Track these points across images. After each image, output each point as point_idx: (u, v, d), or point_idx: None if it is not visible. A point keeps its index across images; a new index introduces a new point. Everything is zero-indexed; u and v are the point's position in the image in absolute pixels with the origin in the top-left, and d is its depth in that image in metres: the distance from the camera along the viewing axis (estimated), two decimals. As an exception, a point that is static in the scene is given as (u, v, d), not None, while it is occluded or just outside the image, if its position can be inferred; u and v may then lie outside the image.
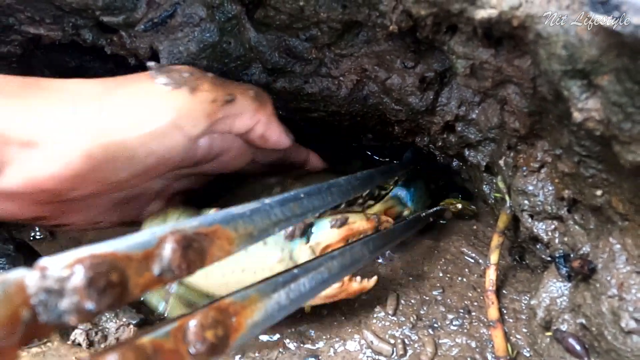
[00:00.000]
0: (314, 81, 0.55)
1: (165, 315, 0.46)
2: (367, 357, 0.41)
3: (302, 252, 0.42)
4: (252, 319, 0.24)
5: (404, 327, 0.43)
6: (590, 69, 0.23)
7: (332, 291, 0.41)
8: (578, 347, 0.33)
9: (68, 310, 0.16)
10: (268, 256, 0.41)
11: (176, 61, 0.46)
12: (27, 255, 0.51)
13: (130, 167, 0.35)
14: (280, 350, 0.44)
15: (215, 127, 0.39)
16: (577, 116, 0.25)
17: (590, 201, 0.32)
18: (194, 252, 0.22)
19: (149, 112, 0.35)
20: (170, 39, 0.44)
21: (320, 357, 0.43)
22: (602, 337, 0.30)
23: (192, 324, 0.21)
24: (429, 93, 0.51)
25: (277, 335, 0.45)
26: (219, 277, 0.42)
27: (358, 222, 0.44)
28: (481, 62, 0.35)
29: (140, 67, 0.53)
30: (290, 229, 0.42)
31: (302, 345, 0.44)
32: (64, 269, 0.16)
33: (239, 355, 0.44)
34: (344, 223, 0.43)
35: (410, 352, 0.41)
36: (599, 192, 0.31)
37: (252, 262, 0.41)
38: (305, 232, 0.43)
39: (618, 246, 0.30)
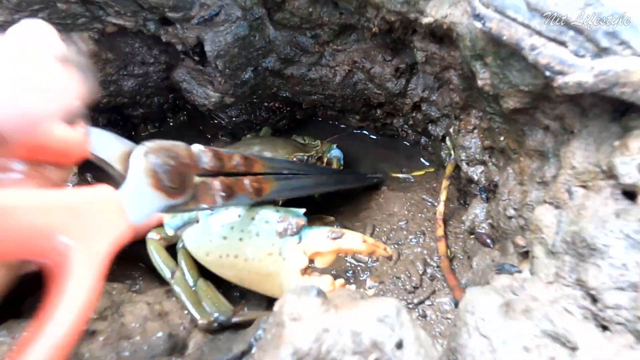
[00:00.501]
0: (316, 69, 0.72)
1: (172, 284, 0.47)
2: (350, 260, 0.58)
3: (293, 250, 0.43)
4: (271, 188, 0.41)
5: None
6: (482, 53, 0.40)
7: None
8: (488, 241, 0.49)
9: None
10: (259, 248, 0.43)
11: (216, 47, 0.62)
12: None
13: None
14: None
15: None
16: (480, 83, 0.42)
17: (499, 145, 0.49)
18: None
19: None
20: (214, 31, 0.60)
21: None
22: (500, 228, 0.47)
23: (246, 180, 0.39)
24: (402, 80, 0.67)
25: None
26: (216, 258, 0.45)
27: (353, 243, 0.43)
28: (432, 53, 0.52)
29: (185, 53, 0.70)
30: (283, 225, 0.43)
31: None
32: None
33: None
34: (338, 237, 0.43)
35: (381, 258, 0.57)
36: (502, 138, 0.48)
37: (245, 251, 0.44)
38: (298, 233, 0.43)
39: (510, 170, 0.47)
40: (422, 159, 0.77)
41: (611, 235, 0.28)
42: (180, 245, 0.48)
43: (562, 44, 0.30)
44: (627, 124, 0.31)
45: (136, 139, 0.56)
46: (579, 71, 0.28)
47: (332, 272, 0.56)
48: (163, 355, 0.39)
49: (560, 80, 0.30)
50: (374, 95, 0.72)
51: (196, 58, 0.67)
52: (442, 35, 0.47)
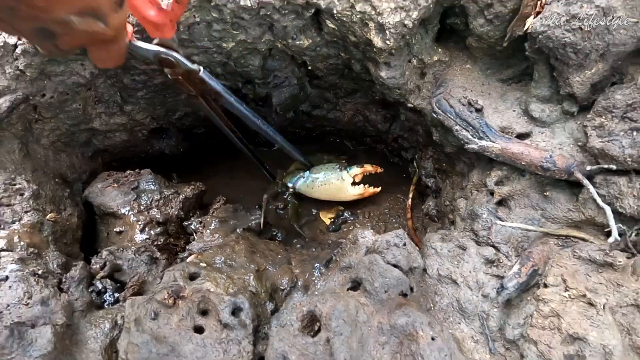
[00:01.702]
0: (332, 112, 1.11)
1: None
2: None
3: (345, 176, 0.97)
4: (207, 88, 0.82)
5: (369, 226, 1.01)
6: (435, 125, 0.82)
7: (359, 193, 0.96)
8: (435, 218, 0.92)
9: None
10: (334, 177, 0.97)
11: (279, 100, 1.00)
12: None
13: None
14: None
15: None
16: (434, 138, 0.84)
17: (442, 168, 0.92)
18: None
19: None
20: (279, 90, 0.99)
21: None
22: (441, 211, 0.89)
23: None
24: (387, 124, 1.09)
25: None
26: (316, 188, 0.99)
27: (368, 166, 0.98)
28: (409, 116, 0.94)
29: (254, 102, 1.07)
30: (340, 167, 0.99)
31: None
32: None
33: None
34: (361, 166, 0.98)
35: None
36: (444, 164, 0.91)
37: (330, 179, 0.98)
38: (346, 168, 0.98)
39: (448, 182, 0.90)
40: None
41: (482, 209, 0.71)
42: (291, 191, 0.99)
43: (468, 131, 0.72)
44: (492, 165, 0.74)
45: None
46: (472, 144, 0.71)
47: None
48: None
49: (467, 146, 0.72)
50: (368, 131, 1.13)
51: (260, 103, 1.05)
52: (416, 110, 0.88)
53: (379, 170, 0.99)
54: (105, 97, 0.88)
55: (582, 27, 0.55)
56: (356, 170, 0.99)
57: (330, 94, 1.06)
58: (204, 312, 0.57)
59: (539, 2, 0.62)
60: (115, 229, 0.74)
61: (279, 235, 0.95)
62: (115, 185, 0.80)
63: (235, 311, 0.56)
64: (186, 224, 0.85)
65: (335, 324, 0.50)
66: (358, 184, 0.99)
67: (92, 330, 0.56)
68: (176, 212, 0.86)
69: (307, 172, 1.02)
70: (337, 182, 0.97)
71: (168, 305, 0.55)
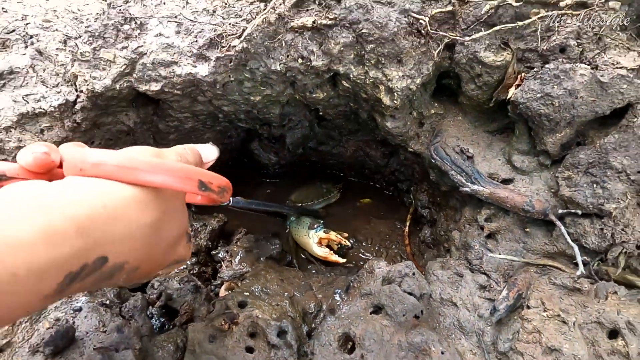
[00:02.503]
0: (336, 148, 1.24)
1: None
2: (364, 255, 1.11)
3: (312, 235, 1.03)
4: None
5: (372, 251, 1.14)
6: (432, 167, 0.96)
7: (322, 255, 1.03)
8: (431, 245, 1.06)
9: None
10: (303, 233, 1.04)
11: (292, 139, 1.13)
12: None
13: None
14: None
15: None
16: (431, 177, 0.98)
17: (436, 201, 1.06)
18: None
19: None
20: (293, 131, 1.12)
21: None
22: (436, 240, 1.03)
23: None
24: (385, 159, 1.22)
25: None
26: (296, 236, 1.07)
27: (333, 235, 1.04)
28: (407, 157, 1.08)
29: (268, 139, 1.19)
30: (311, 223, 1.05)
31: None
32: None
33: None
34: (327, 232, 1.04)
35: (374, 255, 1.11)
36: (438, 199, 1.05)
37: (299, 234, 1.06)
38: (314, 227, 1.04)
39: (442, 214, 1.03)
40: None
41: (474, 241, 0.85)
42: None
43: (462, 176, 0.86)
44: (482, 204, 0.88)
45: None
46: (466, 188, 0.85)
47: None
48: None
49: (461, 189, 0.86)
50: (367, 164, 1.27)
51: (273, 141, 1.17)
52: (415, 153, 1.02)
53: (343, 241, 1.04)
54: (140, 140, 0.99)
55: (554, 103, 0.70)
56: (321, 234, 1.03)
57: (335, 133, 1.19)
58: (252, 335, 0.68)
59: (519, 76, 0.78)
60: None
61: (294, 262, 1.07)
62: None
63: (280, 334, 0.67)
64: (214, 253, 0.96)
65: (368, 343, 0.63)
66: (327, 246, 1.04)
67: (159, 353, 0.66)
68: (205, 243, 0.97)
69: (292, 218, 1.11)
70: (305, 238, 1.05)
71: (223, 330, 0.67)
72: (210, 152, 0.53)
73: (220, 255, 0.96)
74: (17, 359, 0.59)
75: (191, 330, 0.67)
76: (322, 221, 1.09)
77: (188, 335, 0.67)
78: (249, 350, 0.66)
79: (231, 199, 0.72)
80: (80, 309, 0.67)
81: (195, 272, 0.89)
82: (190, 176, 0.39)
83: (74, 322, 0.65)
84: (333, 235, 1.04)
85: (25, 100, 0.79)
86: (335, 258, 1.01)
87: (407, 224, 1.15)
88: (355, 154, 1.25)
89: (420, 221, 1.15)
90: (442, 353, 0.65)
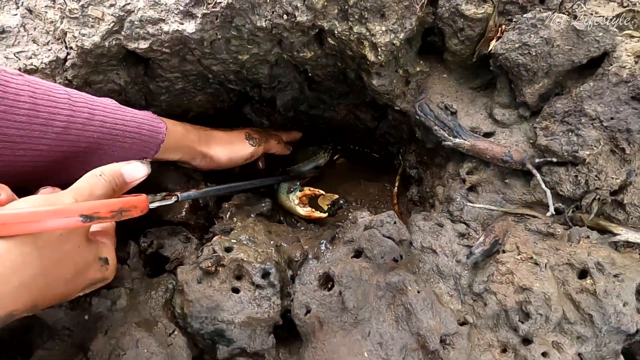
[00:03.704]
0: (328, 112, 1.26)
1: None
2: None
3: (292, 197, 1.07)
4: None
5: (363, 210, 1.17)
6: (418, 124, 0.98)
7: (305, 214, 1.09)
8: (418, 203, 1.09)
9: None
10: (284, 197, 1.08)
11: (282, 102, 1.15)
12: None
13: (233, 164, 1.02)
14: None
15: (260, 155, 1.09)
16: (417, 135, 1.00)
17: (423, 160, 1.08)
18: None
19: (245, 149, 1.03)
20: (283, 93, 1.13)
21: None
22: (423, 197, 1.06)
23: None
24: (375, 122, 1.24)
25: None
26: (282, 201, 1.11)
27: (306, 190, 1.07)
28: (395, 117, 1.09)
29: (259, 102, 1.20)
30: (290, 187, 1.10)
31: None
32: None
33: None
34: (301, 190, 1.06)
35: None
36: (425, 157, 1.07)
37: (283, 199, 1.10)
38: (293, 191, 1.09)
39: (428, 172, 1.06)
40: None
41: (456, 194, 0.87)
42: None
43: (445, 130, 0.88)
44: (464, 158, 0.90)
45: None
46: (448, 142, 0.87)
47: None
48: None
49: (444, 142, 0.88)
50: (358, 128, 1.29)
51: (264, 104, 1.19)
52: (402, 112, 1.04)
53: (317, 192, 1.10)
54: (132, 101, 1.01)
55: (531, 52, 0.72)
56: (298, 194, 1.09)
57: (326, 96, 1.21)
58: (238, 277, 0.72)
59: (499, 29, 0.79)
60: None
61: (283, 220, 1.10)
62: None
63: (265, 275, 0.71)
64: (209, 209, 0.99)
65: (346, 280, 0.66)
66: (306, 204, 1.09)
67: (150, 293, 0.70)
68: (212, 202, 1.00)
69: (275, 186, 1.15)
70: (287, 202, 1.09)
71: (210, 272, 0.70)
72: (135, 170, 0.54)
73: (214, 212, 1.00)
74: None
75: (180, 272, 0.70)
76: (297, 183, 1.13)
77: (177, 277, 0.70)
78: (235, 290, 0.70)
79: (179, 194, 0.72)
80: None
81: (192, 223, 0.92)
82: (64, 214, 0.41)
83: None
84: (306, 189, 1.09)
85: (17, 57, 0.82)
86: (317, 214, 1.05)
87: (396, 184, 1.18)
88: (346, 118, 1.27)
89: (409, 182, 1.18)
90: (418, 292, 0.68)
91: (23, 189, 0.70)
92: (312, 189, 1.10)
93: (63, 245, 0.43)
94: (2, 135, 0.50)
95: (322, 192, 1.10)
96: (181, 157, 0.85)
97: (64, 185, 0.49)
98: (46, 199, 0.42)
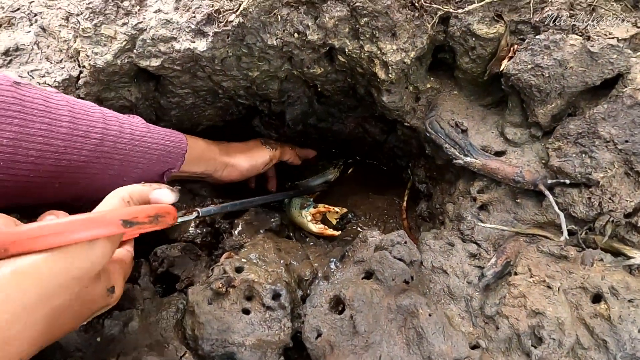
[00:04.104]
0: (337, 125, 1.26)
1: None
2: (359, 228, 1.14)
3: (305, 214, 1.04)
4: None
5: (370, 225, 1.16)
6: (428, 141, 0.97)
7: (318, 231, 1.07)
8: (427, 219, 1.08)
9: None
10: (296, 213, 1.06)
11: (291, 115, 1.15)
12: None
13: (255, 170, 1.04)
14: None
15: (277, 159, 1.09)
16: (427, 151, 1.00)
17: (432, 175, 1.08)
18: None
19: (264, 154, 1.04)
20: (292, 107, 1.13)
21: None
22: (432, 213, 1.05)
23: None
24: (384, 135, 1.24)
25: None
26: (292, 217, 1.10)
27: (321, 207, 1.07)
28: (404, 132, 1.09)
29: (268, 116, 1.21)
30: (302, 202, 1.10)
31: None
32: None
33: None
34: (316, 207, 1.07)
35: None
36: (434, 173, 1.07)
37: (294, 215, 1.09)
38: (306, 208, 1.08)
39: (438, 188, 1.05)
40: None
41: (467, 212, 0.87)
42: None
43: (455, 149, 0.88)
44: (475, 177, 0.90)
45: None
46: (459, 160, 0.87)
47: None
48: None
49: (454, 161, 0.88)
50: (367, 141, 1.28)
51: (273, 118, 1.19)
52: (412, 127, 1.03)
53: (331, 209, 1.09)
54: (143, 116, 1.01)
55: (544, 74, 0.71)
56: (312, 210, 1.08)
57: (335, 110, 1.21)
58: (248, 298, 0.72)
59: (511, 49, 0.78)
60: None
61: (292, 235, 1.10)
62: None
63: (275, 296, 0.71)
64: (217, 226, 0.99)
65: (357, 304, 0.66)
66: (320, 222, 1.08)
67: (161, 314, 0.70)
68: (219, 218, 1.00)
69: (285, 201, 1.15)
70: (299, 218, 1.08)
71: (221, 293, 0.70)
72: (164, 195, 0.54)
73: (222, 227, 1.00)
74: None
75: (191, 292, 0.70)
76: (311, 199, 1.13)
77: (188, 298, 0.70)
78: (245, 311, 0.70)
79: (199, 210, 0.73)
80: (86, 273, 0.71)
81: (198, 242, 0.92)
82: (104, 221, 0.39)
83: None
84: (321, 206, 1.08)
85: (30, 75, 0.82)
86: (330, 232, 1.04)
87: (405, 199, 1.17)
88: (354, 131, 1.27)
89: (418, 196, 1.17)
90: (430, 315, 0.67)
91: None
92: (326, 206, 1.10)
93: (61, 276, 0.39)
94: (49, 145, 0.54)
95: (336, 209, 1.10)
96: (205, 169, 0.88)
97: (98, 200, 0.49)
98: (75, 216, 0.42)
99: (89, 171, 0.62)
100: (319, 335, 0.66)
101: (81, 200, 0.68)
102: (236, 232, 0.96)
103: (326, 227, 1.06)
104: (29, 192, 0.56)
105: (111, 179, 0.67)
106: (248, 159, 1.00)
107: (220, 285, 0.70)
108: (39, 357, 0.65)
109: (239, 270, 0.74)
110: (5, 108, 0.52)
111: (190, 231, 0.90)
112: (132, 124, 0.73)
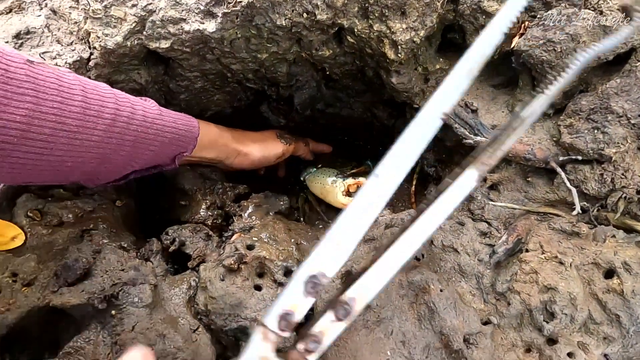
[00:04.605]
0: (345, 110, 1.26)
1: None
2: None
3: (339, 183, 1.11)
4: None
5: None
6: None
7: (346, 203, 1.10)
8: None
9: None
10: (329, 181, 1.11)
11: (300, 100, 1.15)
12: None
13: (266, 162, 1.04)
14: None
15: (290, 154, 1.09)
16: None
17: (442, 158, 1.08)
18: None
19: (277, 147, 1.05)
20: (300, 91, 1.13)
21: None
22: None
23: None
24: (392, 119, 1.24)
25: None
26: (315, 185, 1.13)
27: (362, 180, 1.13)
28: (413, 114, 1.09)
29: (276, 101, 1.21)
30: (340, 173, 1.13)
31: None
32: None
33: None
34: (356, 178, 1.13)
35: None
36: (443, 155, 1.06)
37: (323, 183, 1.12)
38: (344, 178, 1.12)
39: (447, 171, 1.05)
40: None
41: (477, 192, 0.87)
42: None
43: (465, 128, 0.88)
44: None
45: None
46: (469, 140, 0.86)
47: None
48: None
49: (464, 141, 0.88)
50: (376, 125, 1.28)
51: (282, 103, 1.19)
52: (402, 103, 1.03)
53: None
54: (153, 100, 1.02)
55: (555, 48, 0.71)
56: (350, 181, 1.10)
57: (343, 94, 1.21)
58: (260, 275, 0.72)
59: (522, 25, 0.78)
60: (181, 202, 0.90)
61: (301, 218, 1.11)
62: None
63: (287, 273, 0.71)
64: (227, 209, 1.00)
65: (368, 279, 0.66)
66: (350, 195, 1.09)
67: (173, 290, 0.71)
68: (226, 202, 1.00)
69: (315, 168, 1.16)
70: (330, 186, 1.10)
71: (233, 269, 0.71)
72: None
73: (232, 210, 1.00)
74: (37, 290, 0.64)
75: (203, 269, 0.71)
76: (354, 166, 1.18)
77: (200, 275, 0.71)
78: (257, 288, 0.70)
79: None
80: (99, 251, 0.72)
81: (209, 224, 0.93)
82: None
83: (94, 262, 0.69)
84: (362, 179, 1.09)
85: (42, 58, 0.83)
86: None
87: (414, 182, 1.17)
88: (362, 116, 1.26)
89: (427, 180, 1.17)
90: (441, 291, 0.68)
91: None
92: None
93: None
94: (61, 124, 0.54)
95: None
96: (217, 155, 0.88)
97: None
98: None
99: (101, 151, 0.63)
100: (331, 310, 0.66)
101: (93, 181, 0.68)
102: (246, 214, 0.97)
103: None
104: (41, 171, 0.57)
105: (123, 160, 0.67)
106: (261, 150, 1.00)
107: (233, 262, 0.70)
108: (53, 330, 0.66)
109: (250, 247, 0.74)
110: (18, 85, 0.52)
111: (202, 213, 0.90)
112: (144, 106, 0.73)
